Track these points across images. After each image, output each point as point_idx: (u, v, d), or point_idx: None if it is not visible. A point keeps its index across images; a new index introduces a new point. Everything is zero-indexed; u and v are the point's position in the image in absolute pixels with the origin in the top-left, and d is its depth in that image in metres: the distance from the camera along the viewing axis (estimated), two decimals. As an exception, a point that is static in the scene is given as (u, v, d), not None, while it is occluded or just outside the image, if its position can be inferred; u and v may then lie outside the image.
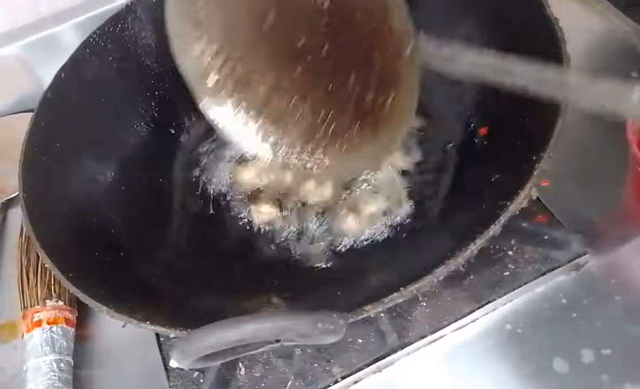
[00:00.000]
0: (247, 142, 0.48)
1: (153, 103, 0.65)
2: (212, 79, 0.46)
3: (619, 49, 0.68)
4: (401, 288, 0.37)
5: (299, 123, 0.48)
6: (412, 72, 0.50)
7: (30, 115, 0.55)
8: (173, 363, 0.35)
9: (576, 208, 0.56)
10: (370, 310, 0.37)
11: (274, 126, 0.47)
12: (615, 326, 0.49)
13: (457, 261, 0.38)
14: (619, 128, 0.51)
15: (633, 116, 0.47)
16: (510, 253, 0.53)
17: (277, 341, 0.37)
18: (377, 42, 0.49)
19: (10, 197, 0.69)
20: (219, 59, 0.46)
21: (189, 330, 0.37)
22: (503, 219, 0.39)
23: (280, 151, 0.48)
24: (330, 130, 0.48)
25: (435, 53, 0.48)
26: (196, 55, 0.47)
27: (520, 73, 0.43)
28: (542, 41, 0.48)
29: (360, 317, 0.37)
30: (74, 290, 0.43)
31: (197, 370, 0.51)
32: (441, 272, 0.38)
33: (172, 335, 0.39)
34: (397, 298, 0.37)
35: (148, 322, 0.39)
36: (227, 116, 0.47)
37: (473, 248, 0.38)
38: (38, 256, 0.58)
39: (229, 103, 0.47)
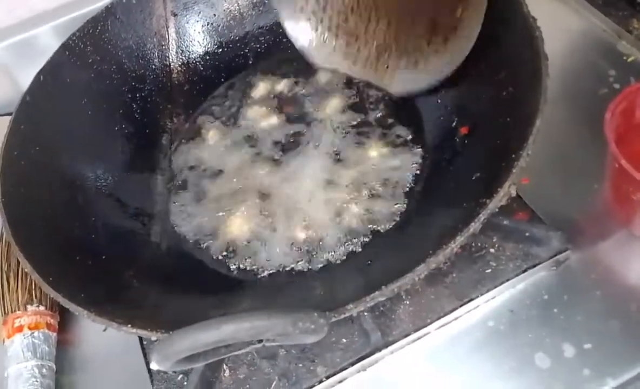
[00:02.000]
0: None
1: (134, 105, 0.65)
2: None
3: (596, 47, 0.69)
4: (382, 287, 0.37)
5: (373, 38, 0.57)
6: None
7: (7, 118, 0.55)
8: (154, 366, 0.34)
9: (556, 205, 0.56)
10: (353, 309, 0.37)
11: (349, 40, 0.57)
12: (596, 321, 0.50)
13: (438, 259, 0.38)
14: (597, 126, 0.52)
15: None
16: (492, 250, 0.54)
17: (260, 341, 0.37)
18: None
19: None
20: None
21: (170, 333, 0.37)
22: (483, 217, 0.39)
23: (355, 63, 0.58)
24: (401, 43, 0.58)
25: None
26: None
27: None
28: (520, 41, 0.49)
29: (342, 316, 0.37)
30: (54, 294, 0.42)
31: (182, 373, 0.51)
32: (422, 270, 0.38)
33: (153, 338, 0.38)
34: (378, 297, 0.37)
35: (129, 325, 0.39)
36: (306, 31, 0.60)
37: (453, 245, 0.39)
38: (19, 261, 0.57)
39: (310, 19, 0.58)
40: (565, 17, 0.73)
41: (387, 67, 0.59)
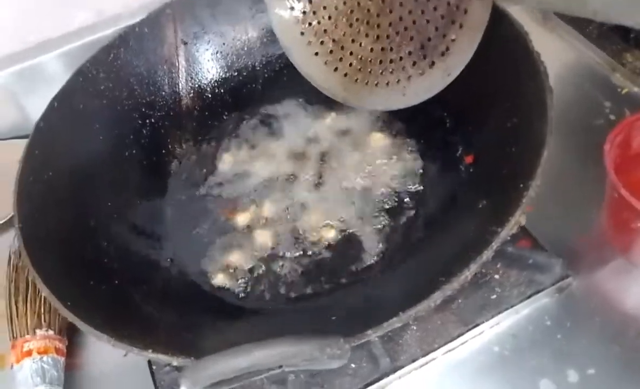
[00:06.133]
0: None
1: (144, 131, 0.66)
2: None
3: (592, 80, 0.71)
4: (400, 313, 0.38)
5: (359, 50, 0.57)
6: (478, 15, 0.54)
7: (15, 142, 0.55)
8: (182, 391, 0.35)
9: (558, 233, 0.57)
10: (371, 334, 0.38)
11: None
12: (598, 346, 0.51)
13: (453, 286, 0.39)
14: (594, 156, 0.54)
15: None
16: (496, 276, 0.55)
17: (280, 366, 0.38)
18: None
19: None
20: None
21: (192, 358, 0.37)
22: (495, 245, 0.41)
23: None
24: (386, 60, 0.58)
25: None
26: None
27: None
28: (524, 74, 0.51)
29: (363, 341, 0.38)
30: (72, 318, 0.42)
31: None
32: (438, 297, 0.39)
33: (174, 363, 0.39)
34: (396, 323, 0.38)
35: (150, 350, 0.39)
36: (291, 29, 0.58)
37: (467, 273, 0.40)
38: (27, 286, 0.57)
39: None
40: (561, 50, 0.75)
41: (367, 83, 0.59)
